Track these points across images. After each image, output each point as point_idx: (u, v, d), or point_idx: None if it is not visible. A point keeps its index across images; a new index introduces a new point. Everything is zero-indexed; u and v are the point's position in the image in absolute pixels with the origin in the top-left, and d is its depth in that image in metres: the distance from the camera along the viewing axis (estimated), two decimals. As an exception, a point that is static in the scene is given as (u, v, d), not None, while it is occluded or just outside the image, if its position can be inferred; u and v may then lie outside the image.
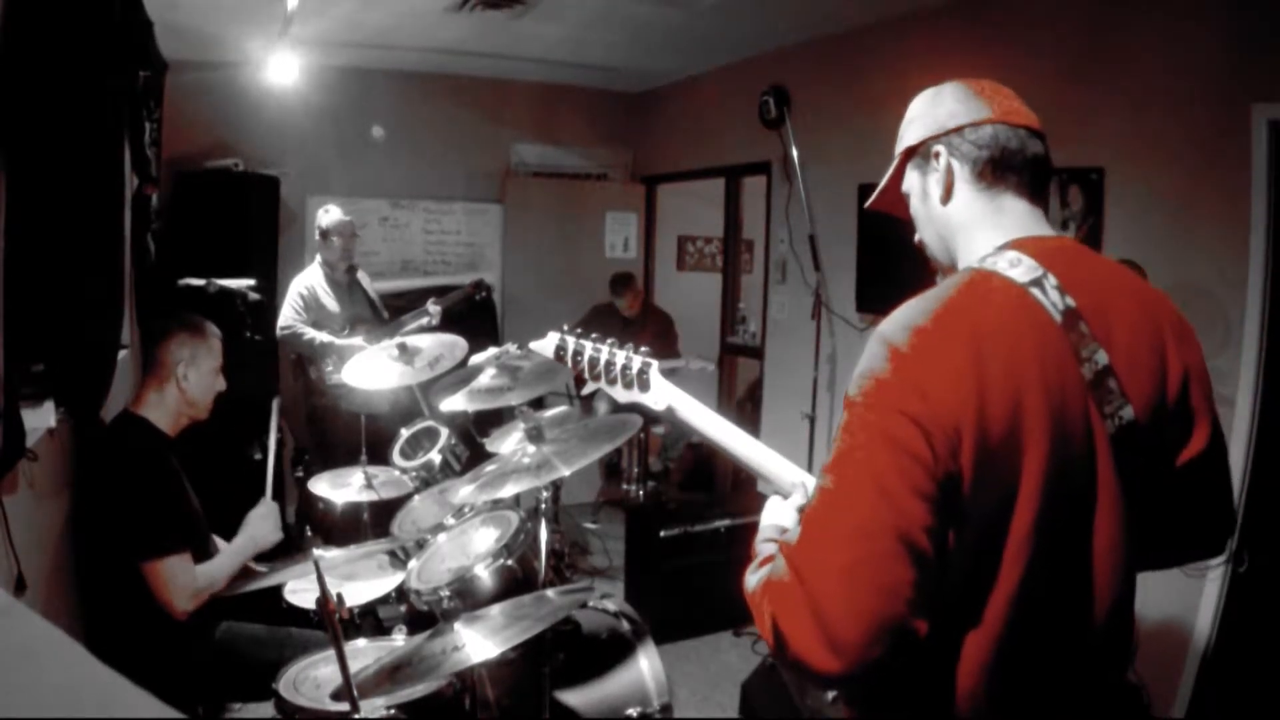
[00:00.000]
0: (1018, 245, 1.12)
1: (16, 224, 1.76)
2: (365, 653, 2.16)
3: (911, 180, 1.26)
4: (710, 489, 5.95)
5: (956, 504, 0.98)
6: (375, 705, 1.90)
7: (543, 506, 2.51)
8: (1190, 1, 3.01)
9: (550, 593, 2.12)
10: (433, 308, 4.48)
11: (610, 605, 2.55)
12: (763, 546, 1.20)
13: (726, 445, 1.39)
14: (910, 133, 1.25)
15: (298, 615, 2.49)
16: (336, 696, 1.79)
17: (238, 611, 2.42)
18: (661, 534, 4.08)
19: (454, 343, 3.26)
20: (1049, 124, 1.26)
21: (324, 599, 1.78)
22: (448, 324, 4.27)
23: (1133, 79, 3.15)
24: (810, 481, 1.32)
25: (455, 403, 2.70)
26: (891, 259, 4.10)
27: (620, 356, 1.44)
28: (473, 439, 3.31)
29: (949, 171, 1.19)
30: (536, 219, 6.13)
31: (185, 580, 2.26)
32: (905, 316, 1.05)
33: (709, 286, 6.51)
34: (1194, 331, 1.18)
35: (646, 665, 2.31)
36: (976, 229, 1.18)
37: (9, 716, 0.41)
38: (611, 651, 2.35)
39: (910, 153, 1.25)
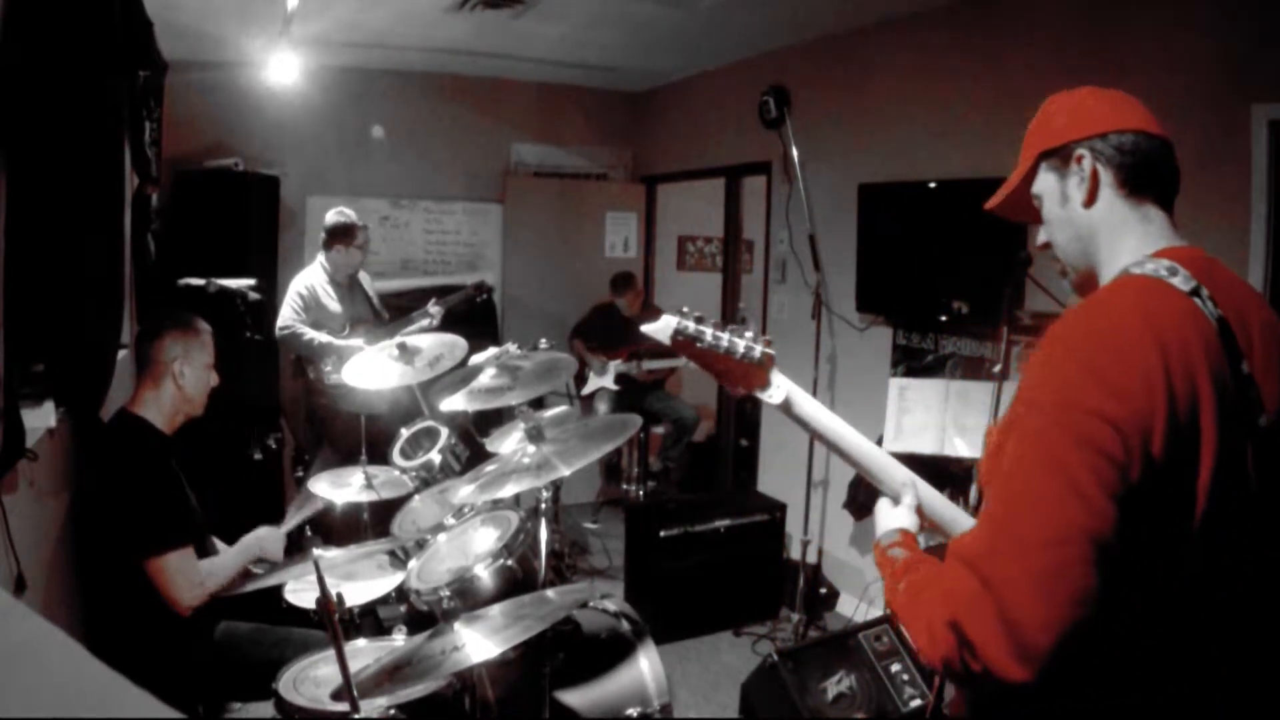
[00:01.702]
0: (1167, 254, 1.15)
1: (17, 224, 1.76)
2: (365, 653, 2.15)
3: (1046, 182, 1.26)
4: (710, 489, 5.95)
5: (1146, 497, 0.99)
6: (375, 705, 1.90)
7: (543, 506, 2.51)
8: (1190, 2, 3.01)
9: (550, 593, 2.12)
10: (434, 308, 4.47)
11: (610, 605, 2.55)
12: (895, 552, 1.20)
13: (839, 443, 1.36)
14: (1048, 134, 1.25)
15: (298, 615, 2.48)
16: (336, 696, 1.79)
17: (238, 611, 2.42)
18: (661, 534, 4.08)
19: (454, 343, 3.26)
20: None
21: (324, 599, 1.78)
22: (448, 324, 4.27)
23: (1132, 79, 3.13)
24: (919, 482, 1.33)
25: (455, 403, 2.70)
26: (891, 259, 4.11)
27: (741, 345, 1.31)
28: (473, 439, 3.31)
29: (1094, 175, 1.20)
30: (536, 219, 6.13)
31: (189, 575, 2.27)
32: (1084, 320, 1.08)
33: (709, 286, 6.51)
34: None
35: (646, 665, 2.31)
36: (1121, 235, 1.20)
37: (9, 716, 0.41)
38: (611, 651, 2.35)
39: (1045, 154, 1.25)
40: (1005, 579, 0.98)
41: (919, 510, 1.31)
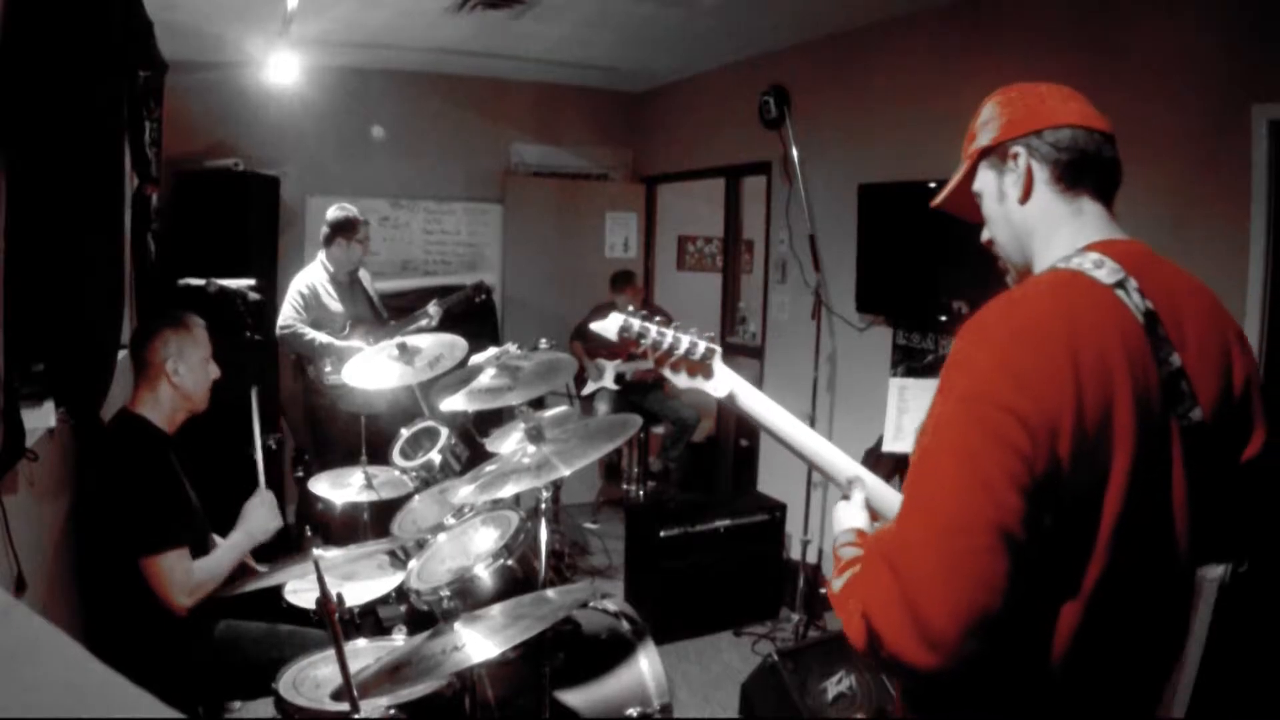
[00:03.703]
0: (1098, 248, 1.14)
1: (17, 224, 1.76)
2: (365, 653, 2.16)
3: (985, 180, 1.27)
4: (710, 489, 5.95)
5: (1054, 491, 0.99)
6: (375, 705, 1.90)
7: (543, 506, 2.51)
8: (1190, 2, 3.01)
9: (550, 593, 2.12)
10: (433, 309, 4.47)
11: (610, 605, 2.55)
12: (844, 551, 1.21)
13: (785, 435, 1.38)
14: (985, 133, 1.26)
15: (298, 615, 2.49)
16: (336, 696, 1.79)
17: (238, 611, 2.42)
18: (661, 534, 4.08)
19: (454, 343, 3.26)
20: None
21: (324, 599, 1.78)
22: (448, 324, 4.27)
23: (1133, 79, 3.15)
24: (867, 475, 1.34)
25: (455, 403, 2.70)
26: (891, 259, 4.11)
27: (685, 341, 1.39)
28: (473, 439, 3.31)
29: (1028, 172, 1.20)
30: (536, 219, 6.13)
31: (184, 576, 2.26)
32: (998, 311, 1.08)
33: (709, 286, 6.51)
34: (1249, 342, 1.22)
35: (646, 665, 2.31)
36: (1055, 230, 1.20)
37: (9, 716, 0.41)
38: (611, 651, 2.35)
39: (984, 153, 1.26)
40: (911, 567, 0.98)
41: (869, 505, 1.32)
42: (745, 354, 5.89)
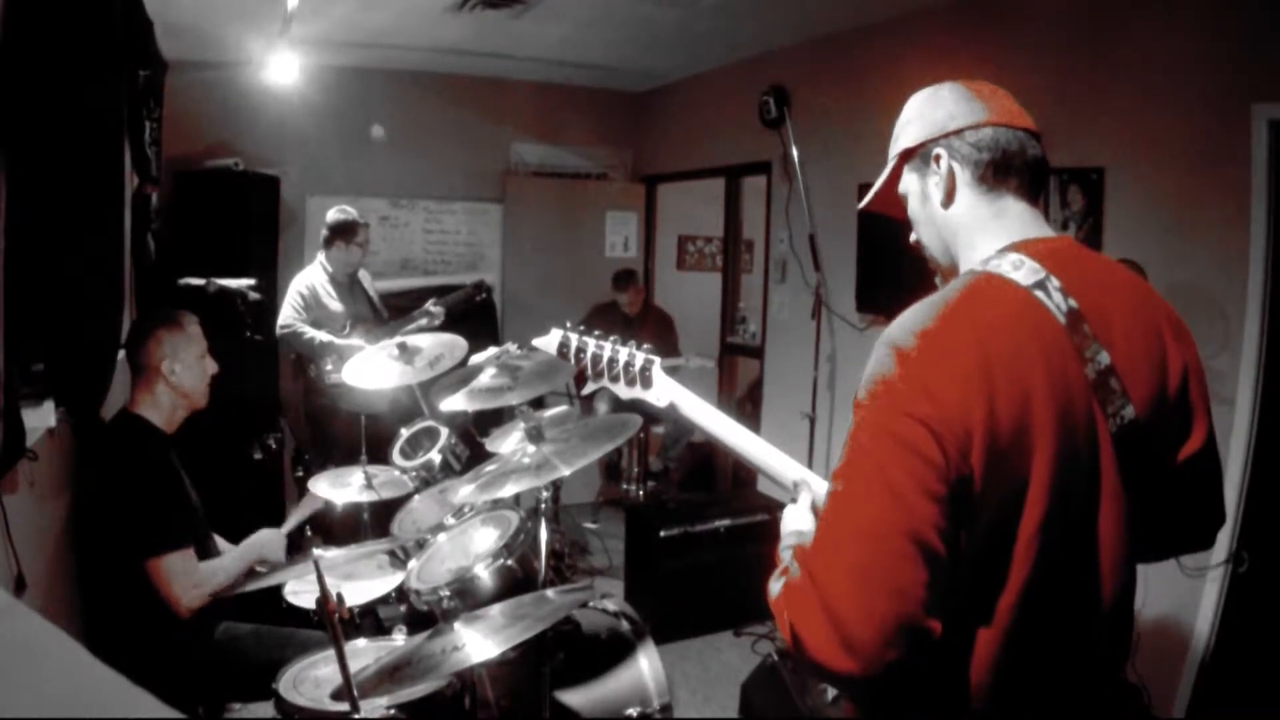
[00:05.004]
0: (1020, 248, 1.12)
1: (17, 224, 1.76)
2: (365, 653, 2.16)
3: (909, 182, 1.26)
4: (710, 489, 5.95)
5: (968, 503, 0.98)
6: (375, 705, 1.90)
7: (543, 506, 2.51)
8: (1190, 1, 3.01)
9: (550, 593, 2.12)
10: (434, 308, 4.47)
11: (610, 605, 2.55)
12: (784, 555, 1.20)
13: (728, 442, 1.39)
14: (907, 135, 1.24)
15: (298, 615, 2.49)
16: (336, 696, 1.79)
17: (238, 611, 2.42)
18: (661, 534, 4.08)
19: (454, 342, 3.26)
20: (1049, 124, 1.26)
21: (324, 599, 1.78)
22: (447, 324, 4.27)
23: (1133, 79, 3.15)
24: (812, 478, 1.33)
25: (455, 402, 2.69)
26: (891, 259, 4.10)
27: (623, 353, 1.44)
28: (473, 439, 3.30)
29: (950, 174, 1.19)
30: (536, 219, 6.13)
31: (189, 576, 2.27)
32: (911, 320, 1.06)
33: (709, 286, 6.51)
34: (1188, 329, 1.19)
35: (646, 665, 2.31)
36: (978, 231, 1.18)
37: (9, 717, 0.41)
38: (611, 651, 2.35)
39: (908, 155, 1.25)
40: (827, 574, 0.98)
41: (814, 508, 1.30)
42: (745, 354, 5.89)
